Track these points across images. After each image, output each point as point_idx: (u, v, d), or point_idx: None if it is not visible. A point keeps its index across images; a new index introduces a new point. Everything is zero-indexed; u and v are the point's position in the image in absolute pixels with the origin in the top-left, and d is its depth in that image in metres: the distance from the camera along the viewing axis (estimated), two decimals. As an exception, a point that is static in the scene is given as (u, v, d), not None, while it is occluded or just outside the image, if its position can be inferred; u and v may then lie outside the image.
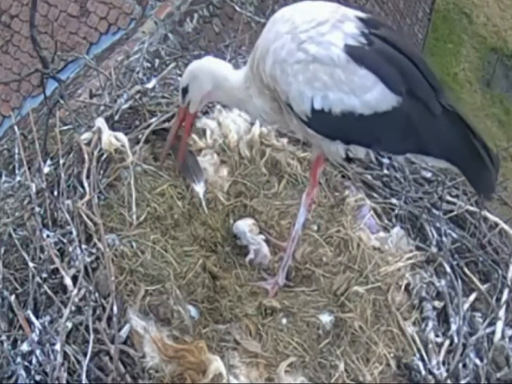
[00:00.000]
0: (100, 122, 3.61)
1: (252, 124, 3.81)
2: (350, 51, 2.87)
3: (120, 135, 3.59)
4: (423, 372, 3.22)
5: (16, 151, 3.76)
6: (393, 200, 3.84)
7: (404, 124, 2.93)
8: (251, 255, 3.42)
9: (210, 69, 3.23)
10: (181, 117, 3.41)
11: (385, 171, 3.97)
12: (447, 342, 3.33)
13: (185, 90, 3.28)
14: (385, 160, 3.98)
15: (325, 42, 2.89)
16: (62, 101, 3.85)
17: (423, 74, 2.94)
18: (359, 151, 3.06)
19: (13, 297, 3.15)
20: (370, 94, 2.89)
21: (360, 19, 2.96)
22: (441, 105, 2.95)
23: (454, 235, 3.74)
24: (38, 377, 2.97)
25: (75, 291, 3.05)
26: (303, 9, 3.00)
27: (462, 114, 3.01)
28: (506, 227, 3.85)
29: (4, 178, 3.79)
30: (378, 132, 2.96)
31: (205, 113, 3.92)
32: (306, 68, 2.89)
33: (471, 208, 3.87)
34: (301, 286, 3.40)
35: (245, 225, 3.46)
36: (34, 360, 2.99)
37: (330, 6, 3.01)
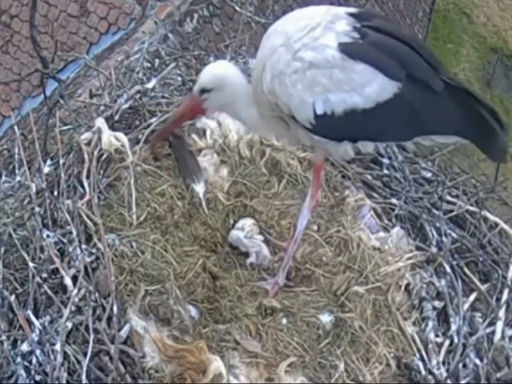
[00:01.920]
0: (100, 122, 3.61)
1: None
2: (344, 49, 2.86)
3: (120, 135, 3.59)
4: (423, 372, 3.23)
5: (16, 151, 3.76)
6: (393, 200, 3.84)
7: (408, 108, 2.92)
8: (252, 259, 3.42)
9: (240, 91, 3.07)
10: (191, 106, 3.17)
11: (385, 171, 3.97)
12: (447, 342, 3.34)
13: (206, 91, 3.09)
14: (385, 160, 3.98)
15: (319, 46, 2.88)
16: (62, 101, 3.85)
17: (420, 55, 2.94)
18: (367, 147, 3.06)
19: (13, 297, 3.15)
20: (370, 87, 2.88)
21: (351, 14, 2.95)
22: (443, 81, 2.95)
23: (454, 235, 3.74)
24: (38, 377, 2.97)
25: (75, 291, 3.05)
26: (295, 18, 2.99)
27: (464, 85, 3.00)
28: (506, 227, 3.85)
29: (4, 178, 3.78)
30: (384, 122, 2.95)
31: (205, 113, 3.92)
32: (304, 76, 2.89)
33: (471, 208, 3.87)
34: (301, 286, 3.40)
35: (238, 232, 3.46)
36: (34, 360, 3.00)
37: (321, 9, 3.00)
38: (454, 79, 2.99)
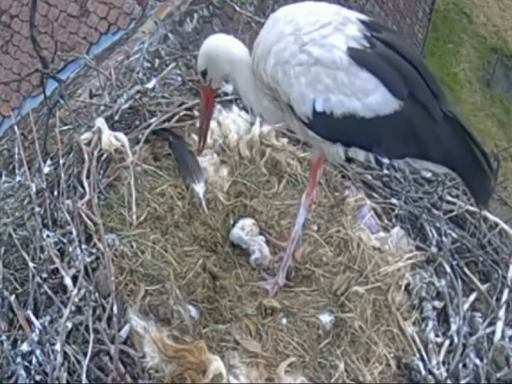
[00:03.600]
0: (100, 122, 3.61)
1: (252, 123, 3.81)
2: (353, 54, 2.87)
3: (120, 135, 3.59)
4: (423, 372, 3.23)
5: (16, 151, 3.76)
6: (393, 200, 3.84)
7: (405, 128, 2.93)
8: (257, 255, 3.42)
9: (227, 54, 3.07)
10: (206, 96, 3.24)
11: (385, 171, 3.96)
12: (447, 342, 3.34)
13: (204, 72, 3.15)
14: (385, 160, 3.97)
15: (327, 44, 2.88)
16: (62, 101, 3.85)
17: (424, 79, 2.94)
18: (359, 154, 3.06)
19: (13, 297, 3.16)
20: (372, 97, 2.89)
21: (363, 22, 2.96)
22: (441, 111, 2.96)
23: (454, 235, 3.74)
24: (38, 377, 2.98)
25: (75, 291, 3.05)
26: (307, 10, 2.99)
27: (462, 121, 3.01)
28: (506, 227, 3.85)
29: (4, 178, 3.79)
30: (379, 135, 2.95)
31: (205, 113, 3.92)
32: (309, 70, 2.89)
33: (471, 208, 3.87)
34: (301, 286, 3.40)
35: (239, 231, 3.46)
36: (34, 360, 3.00)
37: (333, 8, 3.00)
38: (452, 112, 2.99)
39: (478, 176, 3.03)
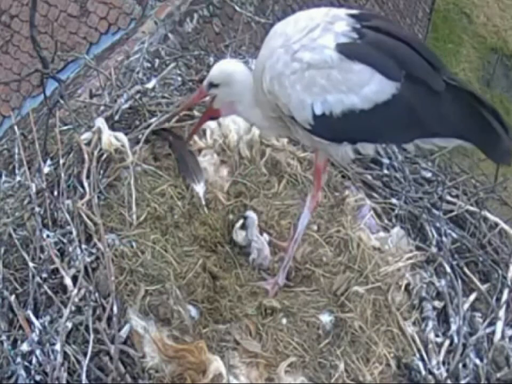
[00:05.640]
0: (100, 122, 3.62)
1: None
2: (342, 49, 2.86)
3: (120, 135, 3.59)
4: (423, 372, 3.22)
5: (16, 151, 3.76)
6: (393, 200, 3.84)
7: (407, 109, 2.90)
8: (254, 255, 3.42)
9: (246, 91, 3.11)
10: (198, 97, 3.29)
11: (385, 171, 3.97)
12: (447, 342, 3.33)
13: (214, 85, 3.17)
14: (385, 160, 3.98)
15: (317, 47, 2.88)
16: (62, 101, 3.85)
17: (421, 55, 2.91)
18: (367, 148, 3.04)
19: (13, 297, 3.15)
20: (368, 87, 2.87)
21: (351, 15, 2.95)
22: (444, 82, 2.92)
23: (454, 235, 3.73)
24: (38, 377, 2.97)
25: (75, 291, 3.05)
26: (295, 20, 2.99)
27: (467, 86, 2.97)
28: (506, 227, 3.85)
29: (4, 178, 3.78)
30: (382, 123, 2.93)
31: (205, 113, 3.92)
32: (303, 76, 2.89)
33: (471, 208, 3.87)
34: (301, 286, 3.40)
35: (242, 231, 3.45)
36: (34, 360, 2.99)
37: (322, 11, 3.00)
38: (456, 79, 2.96)
39: (492, 139, 2.95)
